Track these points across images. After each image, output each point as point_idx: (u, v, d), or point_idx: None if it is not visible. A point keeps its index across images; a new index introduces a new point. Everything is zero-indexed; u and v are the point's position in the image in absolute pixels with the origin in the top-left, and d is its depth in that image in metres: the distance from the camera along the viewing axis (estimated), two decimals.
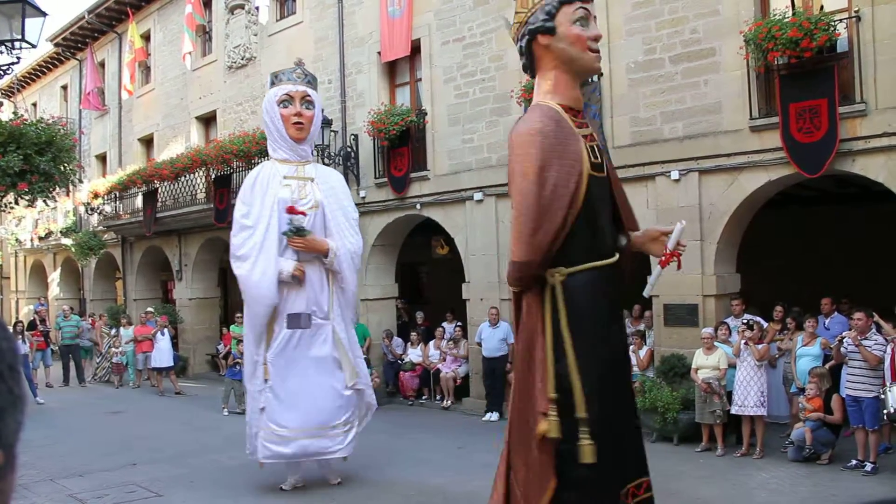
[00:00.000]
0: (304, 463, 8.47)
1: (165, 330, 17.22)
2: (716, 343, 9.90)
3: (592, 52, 4.35)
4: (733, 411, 9.60)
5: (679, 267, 4.74)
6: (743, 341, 9.60)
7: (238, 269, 8.21)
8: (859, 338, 8.66)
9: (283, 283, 8.13)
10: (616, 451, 4.24)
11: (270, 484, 8.48)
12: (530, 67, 4.56)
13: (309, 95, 8.67)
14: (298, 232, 8.19)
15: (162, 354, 16.91)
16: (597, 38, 4.37)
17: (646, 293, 4.50)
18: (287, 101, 8.50)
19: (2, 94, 28.09)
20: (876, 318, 8.78)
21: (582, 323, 4.25)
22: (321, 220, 8.45)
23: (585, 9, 4.35)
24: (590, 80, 11.58)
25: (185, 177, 18.22)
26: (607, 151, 4.71)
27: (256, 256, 8.08)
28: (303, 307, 8.23)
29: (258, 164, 15.92)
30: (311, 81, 8.96)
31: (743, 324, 9.90)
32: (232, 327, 16.61)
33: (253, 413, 8.36)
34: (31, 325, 18.45)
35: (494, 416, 12.12)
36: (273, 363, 8.11)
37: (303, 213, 8.26)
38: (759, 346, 9.55)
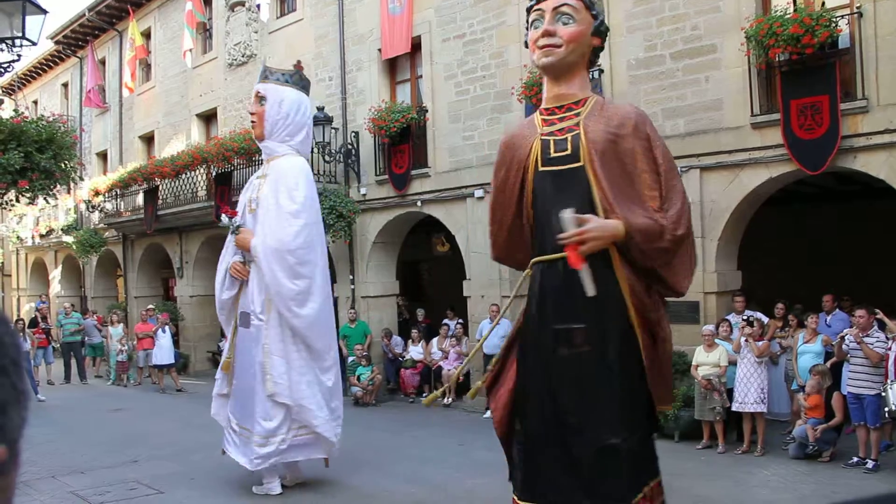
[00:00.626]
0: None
1: (167, 327, 17.22)
2: (716, 340, 9.90)
3: (539, 49, 4.41)
4: (734, 408, 9.60)
5: (579, 266, 3.99)
6: (743, 338, 9.60)
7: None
8: (861, 335, 8.65)
9: (235, 280, 8.31)
10: (528, 463, 4.34)
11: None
12: None
13: (260, 92, 8.42)
14: (235, 231, 8.30)
15: (163, 352, 16.91)
16: (543, 35, 4.37)
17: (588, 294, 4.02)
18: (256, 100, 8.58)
19: (3, 91, 28.07)
20: (880, 315, 8.77)
21: (525, 319, 4.54)
22: (258, 218, 8.20)
23: (538, 9, 4.48)
24: (590, 76, 11.57)
25: (186, 174, 18.21)
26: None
27: (223, 256, 8.49)
28: (244, 306, 8.24)
29: (259, 161, 16.06)
30: (280, 78, 8.56)
31: (743, 320, 9.90)
32: None
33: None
34: (33, 323, 18.46)
35: None
36: (235, 360, 8.35)
37: (234, 213, 8.46)
38: (759, 343, 9.54)
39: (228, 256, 8.35)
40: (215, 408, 8.73)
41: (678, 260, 4.46)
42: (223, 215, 8.52)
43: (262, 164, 15.93)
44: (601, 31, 4.72)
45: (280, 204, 8.05)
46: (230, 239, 8.40)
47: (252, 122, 8.52)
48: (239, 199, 8.76)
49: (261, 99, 8.40)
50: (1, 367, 0.70)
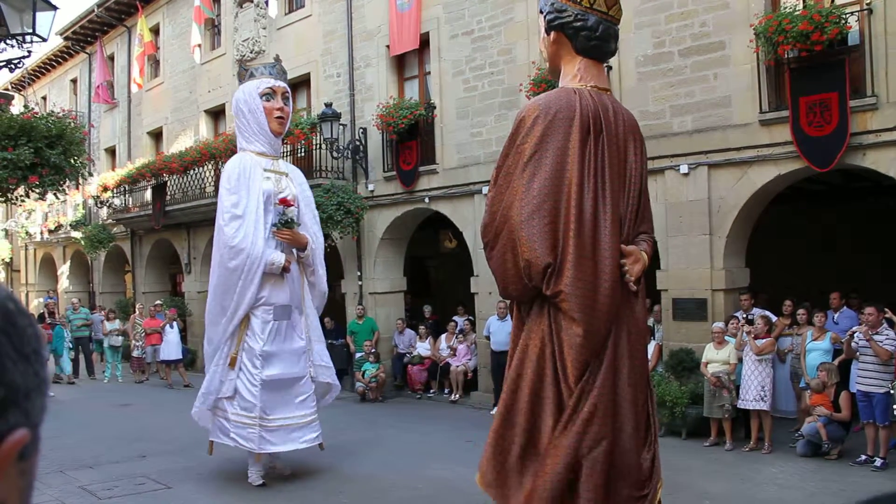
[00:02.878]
0: (270, 454, 8.51)
1: (174, 323, 17.29)
2: (726, 337, 9.89)
3: None
4: (739, 405, 9.61)
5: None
6: (745, 335, 9.60)
7: (232, 260, 8.11)
8: (870, 332, 8.62)
9: (266, 274, 8.18)
10: None
11: (278, 476, 8.52)
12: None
13: (288, 92, 8.74)
14: (288, 224, 8.27)
15: (171, 347, 16.99)
16: None
17: None
18: (270, 94, 8.47)
19: (13, 87, 28.20)
20: (888, 313, 8.75)
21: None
22: (299, 217, 8.63)
23: None
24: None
25: (194, 170, 18.28)
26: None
27: (250, 248, 8.06)
28: (286, 299, 8.34)
29: None
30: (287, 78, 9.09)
31: (743, 319, 9.90)
32: None
33: (211, 392, 8.37)
34: (41, 318, 18.55)
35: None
36: (262, 353, 8.14)
37: (291, 204, 8.38)
38: (760, 342, 9.53)
39: (267, 250, 8.13)
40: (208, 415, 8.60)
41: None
42: (280, 206, 8.28)
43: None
44: (553, 25, 4.86)
45: (314, 211, 8.87)
46: (272, 229, 8.22)
47: (280, 118, 8.51)
48: (241, 185, 8.22)
49: (287, 99, 8.65)
50: (24, 356, 0.72)
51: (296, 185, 8.69)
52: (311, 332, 8.72)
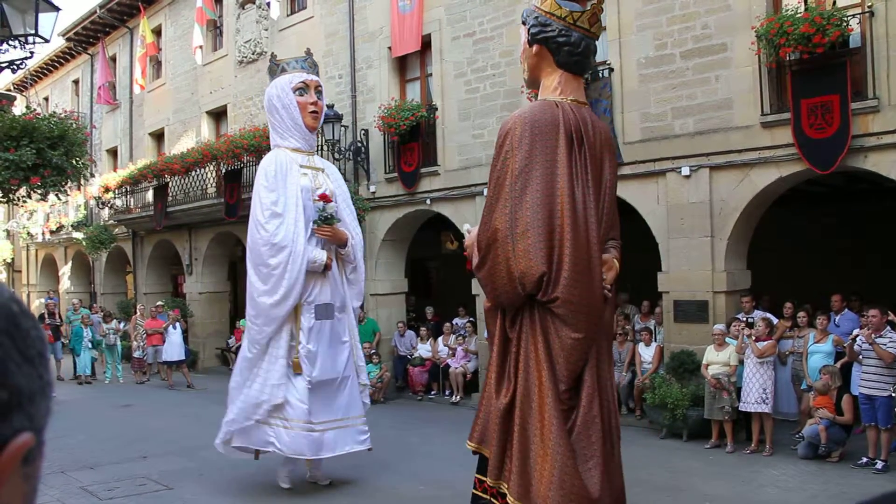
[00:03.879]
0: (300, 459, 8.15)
1: (178, 324, 17.28)
2: (727, 339, 9.88)
3: None
4: (740, 408, 9.60)
5: None
6: (745, 338, 9.59)
7: (273, 257, 7.71)
8: (873, 335, 8.60)
9: (307, 273, 7.83)
10: None
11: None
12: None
13: (320, 86, 8.48)
14: (328, 220, 7.99)
15: (174, 348, 16.97)
16: None
17: None
18: (303, 89, 8.20)
19: (15, 88, 28.21)
20: (891, 316, 8.73)
21: None
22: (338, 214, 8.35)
23: None
24: (600, 75, 11.58)
25: (196, 171, 18.29)
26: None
27: (293, 245, 7.71)
28: (328, 298, 8.03)
29: None
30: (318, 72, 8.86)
31: (744, 322, 9.89)
32: (242, 322, 16.64)
33: (262, 401, 7.80)
34: (41, 319, 18.54)
35: None
36: (308, 354, 7.79)
37: (332, 201, 8.10)
38: (761, 344, 9.52)
39: (307, 247, 7.82)
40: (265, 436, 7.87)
41: None
42: (320, 202, 7.97)
43: None
44: (536, 38, 5.07)
45: (351, 206, 8.67)
46: (312, 226, 7.92)
47: (314, 113, 8.25)
48: (278, 181, 7.87)
49: (320, 94, 8.40)
50: (28, 359, 0.72)
51: (332, 180, 8.40)
52: (352, 330, 8.47)
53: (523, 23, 5.08)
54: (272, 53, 8.91)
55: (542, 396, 4.63)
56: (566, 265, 4.58)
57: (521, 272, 4.58)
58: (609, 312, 5.06)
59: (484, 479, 5.04)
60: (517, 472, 4.70)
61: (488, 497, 4.98)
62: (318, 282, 7.98)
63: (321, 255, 7.89)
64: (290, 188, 7.88)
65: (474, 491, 5.18)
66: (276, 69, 8.45)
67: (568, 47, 4.91)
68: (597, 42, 5.09)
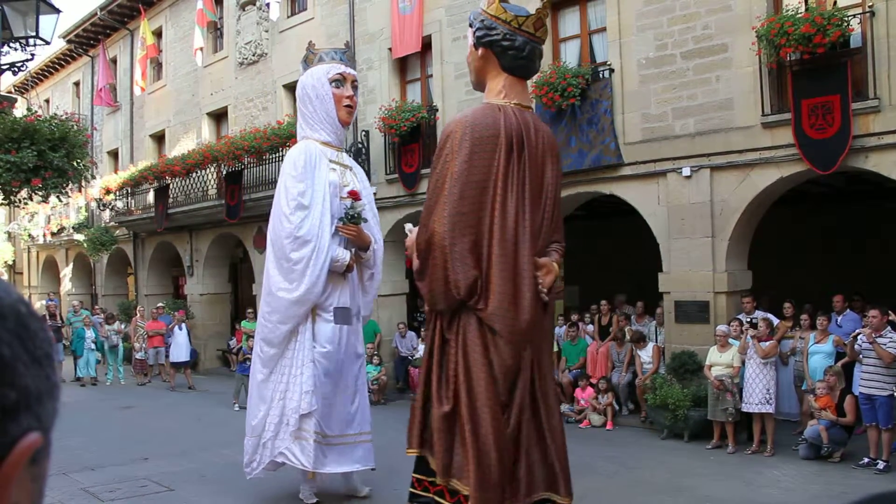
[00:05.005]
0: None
1: (183, 325, 17.27)
2: (730, 340, 9.87)
3: None
4: (743, 408, 9.59)
5: None
6: (749, 339, 9.59)
7: (296, 251, 7.22)
8: (874, 335, 8.60)
9: (328, 273, 7.35)
10: None
11: (280, 477, 8.50)
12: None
13: (357, 81, 7.99)
14: (355, 219, 7.50)
15: (179, 349, 16.95)
16: None
17: None
18: (340, 81, 7.69)
19: (16, 90, 28.23)
20: (892, 315, 8.73)
21: None
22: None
23: None
24: (601, 76, 11.58)
25: (197, 173, 18.31)
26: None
27: (317, 241, 7.24)
28: (347, 302, 7.55)
29: (268, 160, 16.14)
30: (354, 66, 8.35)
31: (746, 322, 9.89)
32: (243, 323, 16.68)
33: (275, 419, 7.30)
34: None
35: None
36: (320, 360, 7.30)
37: (361, 199, 7.67)
38: (764, 344, 9.52)
39: (332, 245, 7.36)
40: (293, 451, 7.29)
41: None
42: (349, 199, 7.49)
43: (272, 162, 15.95)
44: (481, 41, 5.16)
45: (375, 211, 8.23)
46: (337, 224, 7.43)
47: (349, 107, 7.76)
48: (307, 173, 7.37)
49: (356, 88, 7.96)
50: (37, 360, 0.72)
51: (359, 180, 7.90)
52: (363, 339, 8.11)
53: (470, 25, 5.20)
54: (310, 41, 8.46)
55: (483, 395, 4.79)
56: (493, 273, 4.75)
57: (455, 277, 4.72)
58: (548, 318, 5.23)
59: (423, 478, 5.16)
60: (471, 467, 4.84)
61: (431, 495, 5.09)
62: (339, 284, 7.51)
63: (345, 255, 7.42)
64: (318, 181, 7.40)
65: (412, 490, 5.28)
66: (312, 58, 7.95)
67: (513, 51, 5.04)
68: (542, 47, 5.19)
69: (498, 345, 4.77)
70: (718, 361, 9.79)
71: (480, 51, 5.11)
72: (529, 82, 12.25)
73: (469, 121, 4.91)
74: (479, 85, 5.32)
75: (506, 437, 4.78)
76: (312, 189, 7.35)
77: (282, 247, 7.31)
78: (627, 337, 11.86)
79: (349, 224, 7.47)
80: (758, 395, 9.42)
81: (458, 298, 4.77)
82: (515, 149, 4.87)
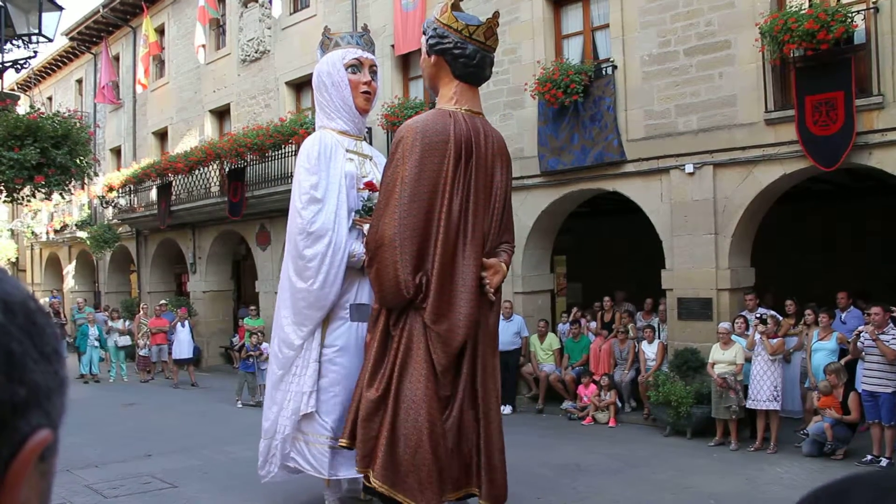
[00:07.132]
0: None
1: (186, 322, 17.29)
2: (733, 337, 9.86)
3: None
4: (748, 405, 9.58)
5: None
6: (757, 336, 9.57)
7: (308, 248, 6.84)
8: (877, 332, 8.59)
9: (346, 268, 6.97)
10: None
11: (282, 476, 8.49)
12: None
13: (376, 66, 7.58)
14: (371, 212, 7.01)
15: (182, 346, 16.98)
16: None
17: None
18: (356, 66, 7.31)
19: (19, 87, 28.26)
20: (894, 312, 8.72)
21: None
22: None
23: None
24: (604, 72, 11.57)
25: (199, 170, 18.31)
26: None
27: (332, 235, 6.84)
28: (365, 298, 7.02)
29: (271, 157, 16.13)
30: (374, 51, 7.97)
31: (756, 318, 9.87)
32: (246, 320, 16.68)
33: (285, 421, 6.99)
34: None
35: (507, 409, 12.11)
36: (334, 360, 6.92)
37: (378, 191, 7.10)
38: (773, 341, 9.50)
39: (350, 239, 6.93)
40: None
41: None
42: (366, 191, 7.13)
43: (275, 159, 15.93)
44: (434, 49, 5.37)
45: None
46: (353, 216, 7.05)
47: (367, 94, 7.36)
48: (321, 165, 7.01)
49: (375, 74, 7.52)
50: (45, 356, 0.72)
51: (379, 170, 7.18)
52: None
53: (423, 33, 5.41)
54: (325, 27, 8.21)
55: (421, 391, 5.03)
56: (434, 274, 5.00)
57: (405, 277, 5.01)
58: (493, 316, 5.44)
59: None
60: (385, 456, 5.08)
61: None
62: (357, 279, 7.03)
63: (362, 249, 6.72)
64: (333, 172, 7.04)
65: (365, 482, 5.57)
66: (328, 43, 7.61)
67: (463, 59, 5.28)
68: (493, 55, 5.44)
69: (437, 343, 5.00)
70: (721, 359, 9.77)
71: (433, 58, 5.39)
72: (532, 78, 12.30)
73: (420, 127, 5.18)
74: (434, 90, 5.58)
75: (441, 432, 5.01)
76: (327, 181, 6.98)
77: (295, 244, 6.99)
78: (630, 334, 11.85)
79: (366, 217, 6.97)
80: (765, 392, 9.39)
81: (406, 297, 5.04)
82: (464, 154, 5.17)
